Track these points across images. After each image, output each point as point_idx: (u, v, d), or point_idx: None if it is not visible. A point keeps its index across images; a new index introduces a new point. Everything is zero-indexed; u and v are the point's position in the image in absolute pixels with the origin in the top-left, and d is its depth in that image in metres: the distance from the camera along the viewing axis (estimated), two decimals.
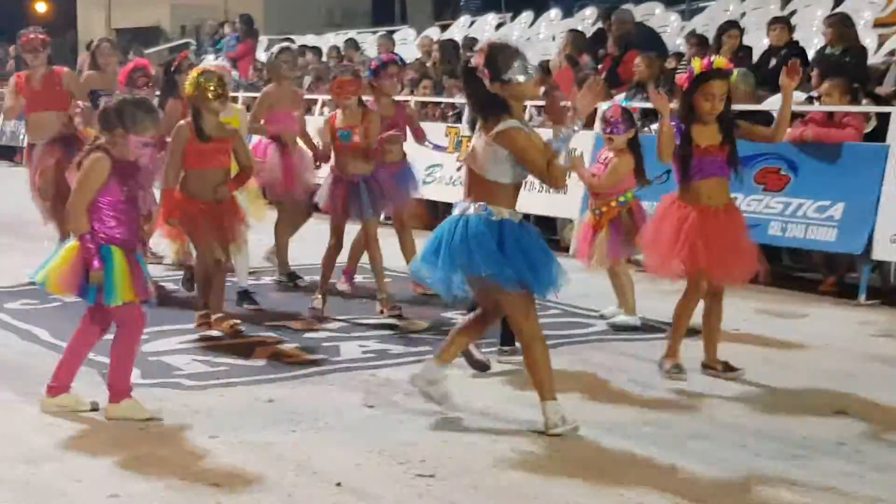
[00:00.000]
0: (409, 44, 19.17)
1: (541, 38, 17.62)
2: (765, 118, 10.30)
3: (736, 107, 10.26)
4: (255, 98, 15.20)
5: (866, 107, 9.84)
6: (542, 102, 12.56)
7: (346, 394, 6.39)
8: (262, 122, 9.44)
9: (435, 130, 12.38)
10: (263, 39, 22.08)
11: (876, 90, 10.41)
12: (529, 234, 5.73)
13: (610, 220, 7.95)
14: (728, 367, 6.70)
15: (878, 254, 9.03)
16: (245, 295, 8.66)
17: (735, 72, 10.04)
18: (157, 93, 9.51)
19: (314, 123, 9.90)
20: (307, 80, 16.43)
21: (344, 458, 5.30)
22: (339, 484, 4.99)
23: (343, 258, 8.73)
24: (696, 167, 6.38)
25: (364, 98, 8.44)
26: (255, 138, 9.72)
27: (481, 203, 5.62)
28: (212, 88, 7.47)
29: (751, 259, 6.61)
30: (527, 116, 12.04)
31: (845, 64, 10.72)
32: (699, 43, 12.54)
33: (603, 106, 8.67)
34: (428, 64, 15.70)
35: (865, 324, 8.35)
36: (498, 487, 5.01)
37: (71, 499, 4.85)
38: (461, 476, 5.11)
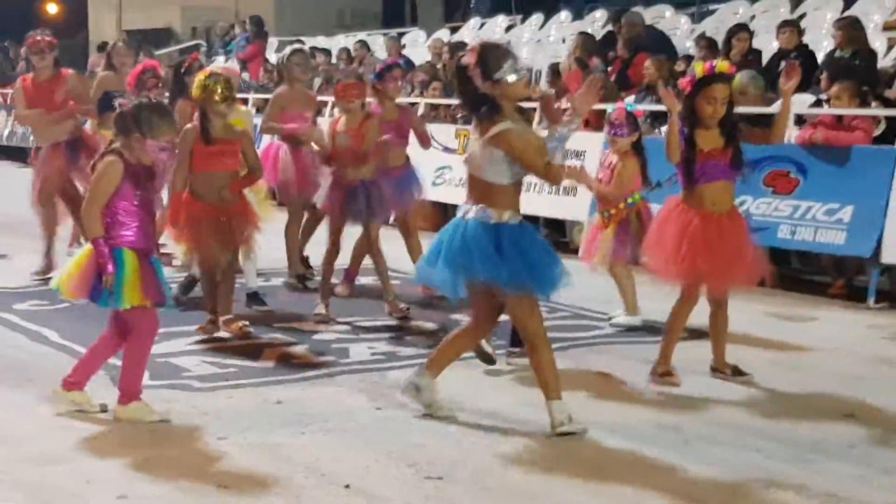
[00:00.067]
0: (419, 46, 19.18)
1: (551, 40, 17.61)
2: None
3: (745, 109, 10.33)
4: (266, 99, 15.32)
5: (875, 110, 9.83)
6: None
7: (355, 395, 6.40)
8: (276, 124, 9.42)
9: (444, 132, 12.41)
10: (274, 41, 22.11)
11: (885, 93, 10.40)
12: (529, 235, 5.74)
13: (618, 223, 7.96)
14: (737, 371, 6.70)
15: (887, 257, 9.01)
16: (254, 297, 8.68)
17: (737, 77, 10.07)
18: (167, 94, 9.54)
19: (325, 125, 9.90)
20: (317, 81, 16.44)
21: (353, 460, 5.31)
22: (347, 486, 5.00)
23: (344, 260, 8.74)
24: (700, 171, 6.37)
25: (367, 101, 8.46)
26: (266, 140, 9.73)
27: (481, 205, 5.65)
28: (219, 91, 7.48)
29: (754, 266, 6.56)
30: (536, 119, 12.08)
31: (855, 67, 10.71)
32: (709, 46, 12.53)
33: (608, 108, 8.68)
34: (438, 66, 15.71)
35: (874, 327, 8.34)
36: (507, 489, 5.01)
37: (81, 500, 4.87)
38: (470, 478, 5.11)
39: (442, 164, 12.27)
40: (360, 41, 19.11)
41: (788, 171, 9.61)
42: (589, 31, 15.40)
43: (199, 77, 7.63)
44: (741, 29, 12.66)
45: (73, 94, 9.74)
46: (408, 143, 9.01)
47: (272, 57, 19.47)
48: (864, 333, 8.16)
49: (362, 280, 9.24)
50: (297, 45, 10.69)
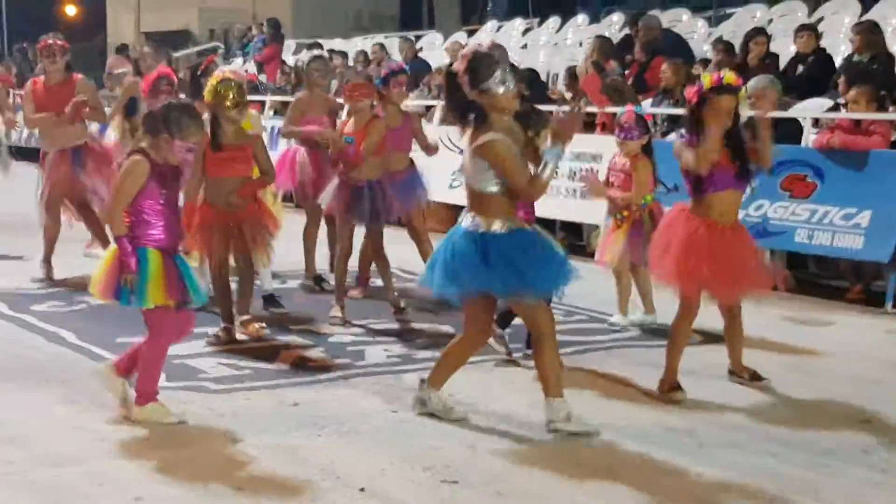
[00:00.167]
0: (436, 48, 19.19)
1: (567, 43, 17.60)
2: (792, 125, 10.32)
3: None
4: (283, 102, 15.36)
5: (893, 114, 9.79)
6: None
7: (371, 398, 6.41)
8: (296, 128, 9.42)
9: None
10: (291, 43, 22.16)
11: None
12: (520, 241, 5.70)
13: (632, 224, 7.95)
14: (755, 376, 6.68)
15: None
16: (270, 299, 8.69)
17: (755, 81, 10.04)
18: (182, 96, 9.56)
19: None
20: (334, 84, 16.47)
21: (368, 463, 5.31)
22: (362, 489, 5.00)
23: (353, 264, 8.76)
24: (709, 181, 6.33)
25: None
26: (283, 143, 9.74)
27: (472, 214, 5.73)
28: (230, 97, 7.47)
29: (759, 276, 6.52)
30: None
31: (873, 71, 10.67)
32: (726, 49, 12.50)
33: (618, 112, 8.68)
34: None
35: (892, 332, 8.31)
36: (521, 493, 5.01)
37: (95, 501, 4.88)
38: (486, 482, 5.11)
39: (458, 167, 12.25)
40: (377, 43, 19.13)
41: (805, 175, 9.58)
42: (606, 34, 15.39)
43: (211, 82, 7.62)
44: (758, 33, 12.62)
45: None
46: (411, 149, 9.01)
47: (289, 59, 19.52)
48: (881, 338, 8.13)
49: (378, 282, 9.24)
50: (316, 51, 10.68)
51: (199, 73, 9.57)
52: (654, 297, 7.96)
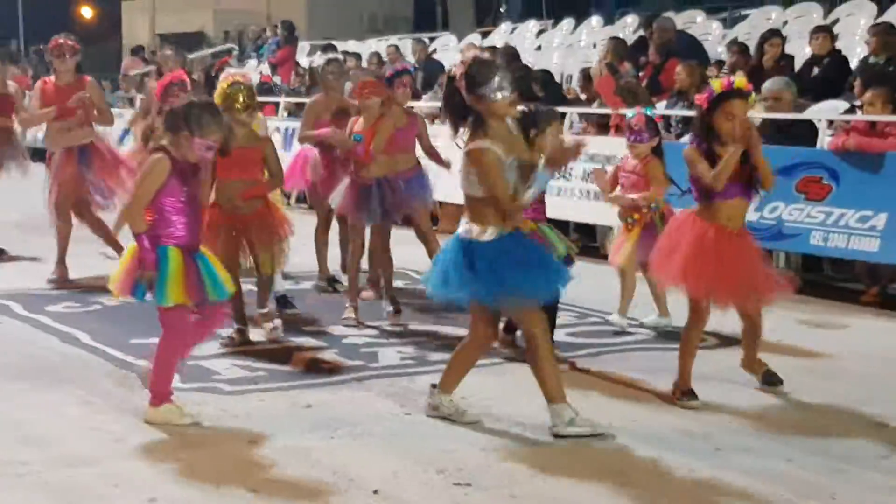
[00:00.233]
0: (450, 50, 19.19)
1: (582, 45, 17.58)
2: (807, 127, 10.29)
3: (779, 116, 10.30)
4: (297, 103, 15.38)
5: None
6: (586, 110, 12.58)
7: (384, 400, 6.41)
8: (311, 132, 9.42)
9: None
10: (305, 45, 22.19)
11: None
12: (506, 247, 5.67)
13: (643, 227, 7.94)
14: (768, 375, 6.62)
15: None
16: (283, 300, 8.70)
17: (769, 83, 10.01)
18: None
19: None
20: (348, 86, 16.47)
21: (381, 466, 5.31)
22: (376, 491, 5.00)
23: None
24: None
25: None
26: (296, 145, 9.74)
27: (467, 219, 5.75)
28: (240, 100, 7.47)
29: (769, 284, 6.47)
30: (567, 124, 12.08)
31: (888, 73, 10.63)
32: (741, 51, 12.46)
33: (628, 114, 8.67)
34: None
35: None
36: (536, 497, 5.00)
37: (109, 502, 4.89)
38: (499, 485, 5.10)
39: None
40: (392, 45, 19.15)
41: (821, 178, 9.55)
42: (620, 35, 15.35)
43: (221, 85, 7.62)
44: (773, 34, 12.59)
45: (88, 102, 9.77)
46: (416, 149, 9.01)
47: (303, 61, 19.55)
48: None
49: (396, 283, 9.22)
50: (332, 55, 10.69)
51: (213, 74, 9.58)
52: (669, 299, 7.94)
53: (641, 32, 15.64)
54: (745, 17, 16.88)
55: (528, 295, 5.71)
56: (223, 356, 7.29)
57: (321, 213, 9.63)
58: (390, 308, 8.44)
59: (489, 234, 5.67)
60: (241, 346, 7.50)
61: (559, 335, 7.81)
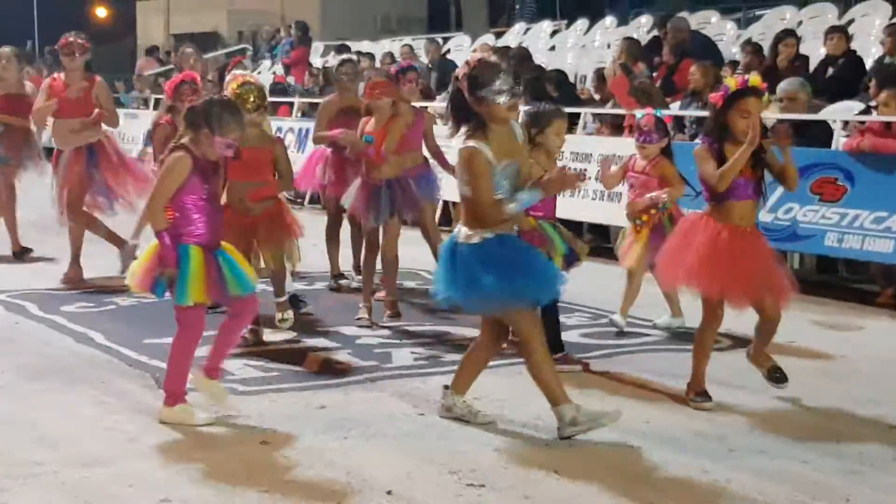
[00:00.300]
0: (464, 51, 19.19)
1: (596, 45, 17.57)
2: (822, 128, 10.26)
3: (794, 116, 10.28)
4: (311, 103, 15.40)
5: None
6: (599, 110, 12.58)
7: (398, 401, 6.41)
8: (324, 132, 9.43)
9: None
10: (319, 45, 22.22)
11: None
12: (490, 252, 5.63)
13: (651, 229, 7.92)
14: (774, 371, 6.56)
15: None
16: (293, 299, 8.70)
17: (784, 84, 9.99)
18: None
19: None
20: (361, 86, 16.49)
21: (395, 466, 5.31)
22: (389, 492, 5.00)
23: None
24: (730, 188, 6.27)
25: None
26: (310, 146, 9.75)
27: (461, 221, 5.74)
28: (251, 100, 7.48)
29: (783, 285, 6.45)
30: (581, 124, 12.08)
31: None
32: (755, 51, 12.45)
33: (637, 114, 8.66)
34: None
35: None
36: (549, 498, 4.99)
37: (123, 502, 4.90)
38: (512, 486, 5.10)
39: None
40: (406, 45, 19.16)
41: (836, 179, 9.53)
42: (634, 36, 15.35)
43: (232, 85, 7.63)
44: (788, 35, 12.56)
45: (96, 101, 9.79)
46: (421, 146, 9.00)
47: (316, 61, 19.58)
48: None
49: (406, 284, 9.23)
50: (346, 55, 10.71)
51: (227, 73, 9.59)
52: (682, 300, 7.92)
53: (655, 33, 15.63)
54: (760, 17, 16.84)
55: (509, 300, 5.65)
56: (236, 356, 7.28)
57: (332, 212, 9.64)
58: (397, 309, 8.45)
59: (474, 237, 5.65)
60: (254, 347, 7.52)
61: (573, 336, 7.83)
